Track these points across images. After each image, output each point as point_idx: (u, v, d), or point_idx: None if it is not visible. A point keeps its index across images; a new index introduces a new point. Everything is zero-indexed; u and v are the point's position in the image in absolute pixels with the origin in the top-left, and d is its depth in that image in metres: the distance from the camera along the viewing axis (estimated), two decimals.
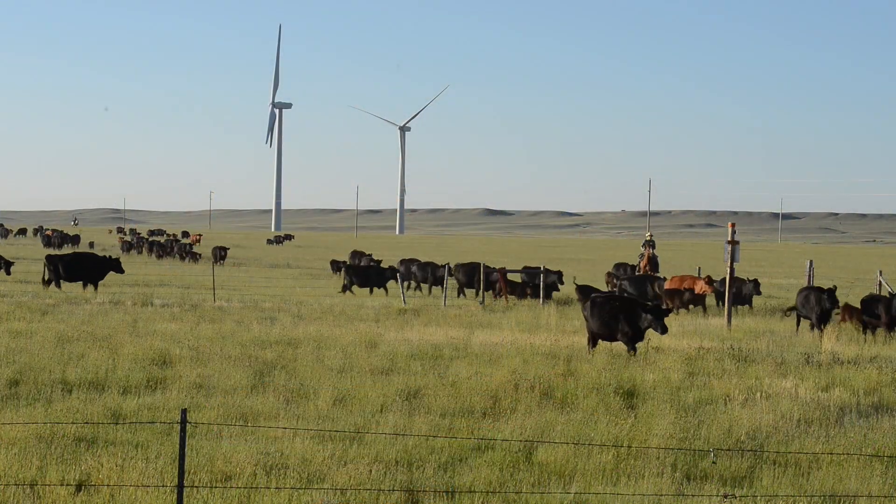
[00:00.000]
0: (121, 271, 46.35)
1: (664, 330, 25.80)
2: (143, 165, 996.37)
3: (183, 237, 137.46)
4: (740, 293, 41.02)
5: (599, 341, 26.61)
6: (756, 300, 42.67)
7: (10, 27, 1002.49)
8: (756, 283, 42.18)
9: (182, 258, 79.80)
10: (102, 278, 44.99)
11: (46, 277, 44.78)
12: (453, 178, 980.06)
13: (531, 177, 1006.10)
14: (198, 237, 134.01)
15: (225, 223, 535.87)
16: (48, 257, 45.68)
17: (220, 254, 75.97)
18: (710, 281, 40.88)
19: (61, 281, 44.47)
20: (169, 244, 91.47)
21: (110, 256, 47.31)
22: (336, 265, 64.51)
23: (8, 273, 51.62)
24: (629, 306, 26.31)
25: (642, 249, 54.12)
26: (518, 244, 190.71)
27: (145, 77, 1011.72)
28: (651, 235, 55.73)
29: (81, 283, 44.44)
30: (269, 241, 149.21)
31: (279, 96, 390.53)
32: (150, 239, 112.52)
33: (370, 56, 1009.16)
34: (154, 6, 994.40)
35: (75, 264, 45.02)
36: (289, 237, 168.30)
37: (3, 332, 27.12)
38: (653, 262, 52.36)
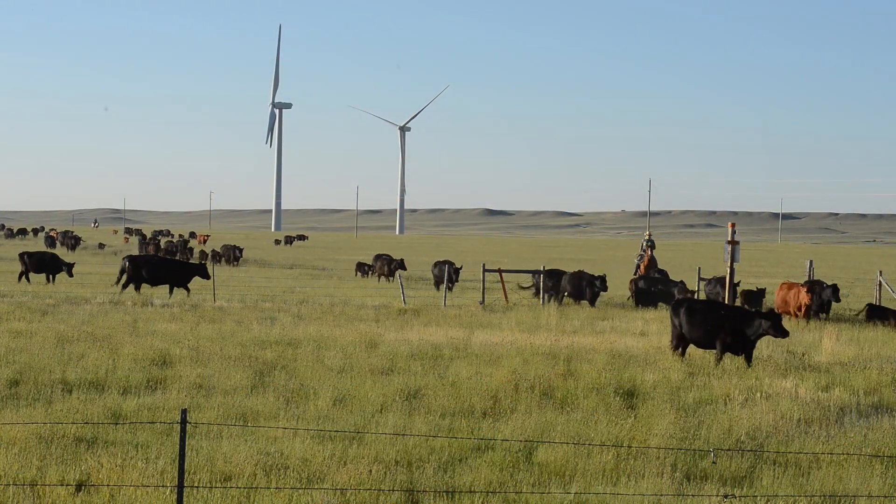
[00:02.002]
0: (206, 276, 44.50)
1: (784, 334, 24.56)
2: (143, 165, 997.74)
3: (190, 237, 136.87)
4: (819, 299, 38.28)
5: (688, 347, 25.38)
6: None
7: (10, 27, 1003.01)
8: (835, 288, 38.56)
9: (230, 262, 75.69)
10: (187, 282, 43.63)
11: (124, 280, 43.32)
12: (453, 178, 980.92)
13: (531, 177, 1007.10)
14: (205, 238, 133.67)
15: (225, 223, 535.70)
16: (130, 260, 44.26)
17: (234, 254, 75.89)
18: (810, 288, 37.37)
19: (142, 284, 43.22)
20: (180, 245, 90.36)
21: (202, 262, 45.91)
22: (362, 267, 64.21)
23: (70, 275, 49.49)
24: (741, 313, 25.12)
25: (641, 251, 52.69)
26: (518, 244, 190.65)
27: (145, 77, 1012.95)
28: (650, 235, 54.23)
29: (168, 287, 43.24)
30: (277, 242, 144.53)
31: (279, 96, 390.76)
32: (163, 240, 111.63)
33: (370, 56, 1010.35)
34: (154, 6, 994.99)
35: (161, 268, 43.94)
36: (301, 237, 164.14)
37: (3, 332, 27.12)
38: (652, 263, 50.98)
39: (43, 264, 50.11)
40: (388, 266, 59.06)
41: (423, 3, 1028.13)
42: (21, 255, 50.65)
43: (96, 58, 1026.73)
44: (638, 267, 52.24)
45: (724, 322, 24.56)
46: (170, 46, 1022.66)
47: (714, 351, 24.85)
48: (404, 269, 58.03)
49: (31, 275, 49.92)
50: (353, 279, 61.32)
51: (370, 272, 62.49)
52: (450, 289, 49.26)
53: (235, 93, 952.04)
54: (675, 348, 25.31)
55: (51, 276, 49.78)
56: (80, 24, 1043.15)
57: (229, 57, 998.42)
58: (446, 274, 47.06)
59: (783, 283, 39.21)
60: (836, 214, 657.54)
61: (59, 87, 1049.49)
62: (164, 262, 45.04)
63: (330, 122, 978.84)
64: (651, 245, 52.58)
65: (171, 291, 42.96)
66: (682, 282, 42.39)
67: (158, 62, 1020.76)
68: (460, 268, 50.39)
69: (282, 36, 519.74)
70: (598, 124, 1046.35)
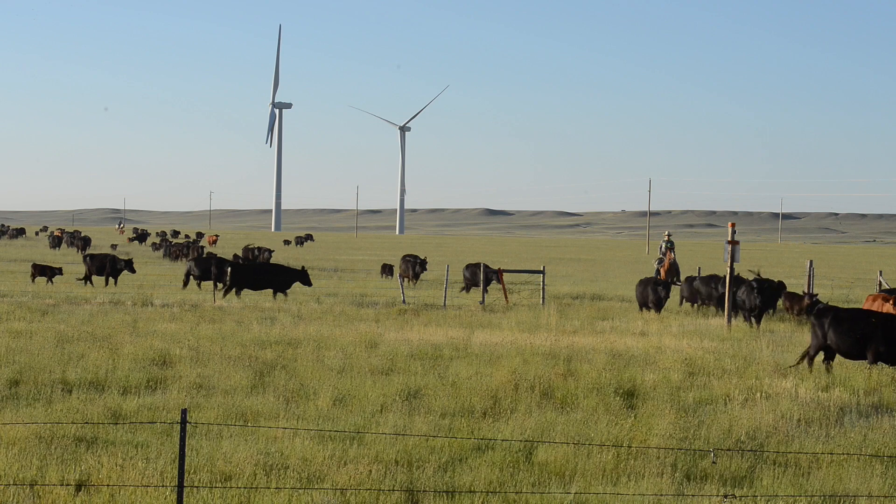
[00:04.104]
0: (308, 283, 44.43)
1: None
2: (143, 165, 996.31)
3: (198, 237, 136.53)
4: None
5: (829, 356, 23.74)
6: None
7: (10, 27, 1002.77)
8: None
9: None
10: (289, 288, 43.52)
11: (228, 285, 43.34)
12: (453, 178, 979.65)
13: (531, 177, 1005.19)
14: (214, 237, 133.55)
15: (225, 223, 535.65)
16: (233, 265, 44.25)
17: (253, 254, 75.76)
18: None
19: (243, 289, 43.19)
20: (188, 247, 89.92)
21: (302, 267, 45.76)
22: (387, 269, 63.84)
23: (132, 271, 51.19)
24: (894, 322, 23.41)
25: (660, 254, 50.51)
26: (518, 244, 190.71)
27: (145, 77, 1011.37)
28: (669, 236, 51.67)
29: (271, 291, 43.20)
30: (287, 242, 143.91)
31: (279, 96, 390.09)
32: (174, 241, 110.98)
33: (370, 56, 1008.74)
34: (154, 6, 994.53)
35: (265, 273, 44.06)
36: (309, 237, 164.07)
37: (3, 332, 27.13)
38: (673, 267, 48.53)
39: (104, 267, 50.98)
40: (412, 268, 58.00)
41: (423, 3, 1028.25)
42: (85, 258, 52.24)
43: (96, 58, 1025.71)
44: (658, 272, 49.42)
45: (878, 331, 23.12)
46: (170, 46, 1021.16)
47: (862, 361, 23.58)
48: (424, 269, 57.51)
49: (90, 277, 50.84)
50: (352, 280, 61.27)
51: (404, 275, 61.75)
52: (486, 291, 49.03)
53: (235, 93, 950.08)
54: (811, 359, 23.83)
55: (112, 279, 50.26)
56: (80, 24, 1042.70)
57: (229, 57, 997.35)
58: (482, 277, 46.57)
59: (869, 296, 37.16)
60: (836, 214, 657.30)
61: (59, 87, 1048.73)
62: (265, 266, 45.34)
63: (330, 122, 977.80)
64: (670, 246, 50.20)
65: (274, 295, 42.88)
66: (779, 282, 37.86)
67: (158, 62, 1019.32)
68: (497, 270, 50.03)
69: (282, 36, 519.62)
70: (598, 124, 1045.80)
